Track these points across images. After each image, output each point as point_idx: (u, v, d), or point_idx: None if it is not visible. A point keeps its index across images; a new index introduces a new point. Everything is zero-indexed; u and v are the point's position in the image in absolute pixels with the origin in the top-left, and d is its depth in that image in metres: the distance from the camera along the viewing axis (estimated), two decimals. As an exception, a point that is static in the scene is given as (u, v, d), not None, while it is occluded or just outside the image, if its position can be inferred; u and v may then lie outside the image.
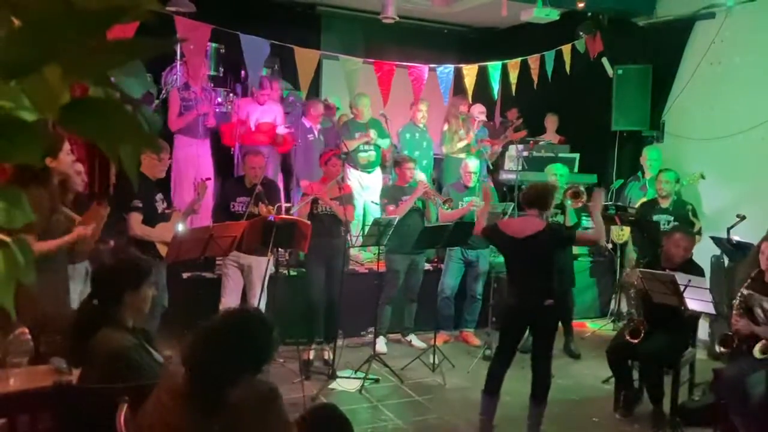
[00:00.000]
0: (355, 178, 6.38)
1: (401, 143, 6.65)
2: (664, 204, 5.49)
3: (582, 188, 5.49)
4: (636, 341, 4.04)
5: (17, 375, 2.55)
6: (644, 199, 6.02)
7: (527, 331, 3.93)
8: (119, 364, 2.24)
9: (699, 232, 5.34)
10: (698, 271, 4.11)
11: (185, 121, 5.80)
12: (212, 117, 6.01)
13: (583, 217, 5.64)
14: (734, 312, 3.65)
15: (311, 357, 5.05)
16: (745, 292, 3.64)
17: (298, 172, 6.22)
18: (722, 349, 3.71)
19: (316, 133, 6.30)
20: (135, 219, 4.26)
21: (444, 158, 6.90)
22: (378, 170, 6.58)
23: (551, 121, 7.52)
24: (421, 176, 5.90)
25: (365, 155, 6.38)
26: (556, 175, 5.65)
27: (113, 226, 4.12)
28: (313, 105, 6.31)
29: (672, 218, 5.40)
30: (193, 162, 5.89)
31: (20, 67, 0.58)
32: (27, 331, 2.72)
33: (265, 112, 6.13)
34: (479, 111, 6.91)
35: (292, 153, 6.34)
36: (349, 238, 5.07)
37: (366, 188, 6.37)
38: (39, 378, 2.48)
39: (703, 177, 5.88)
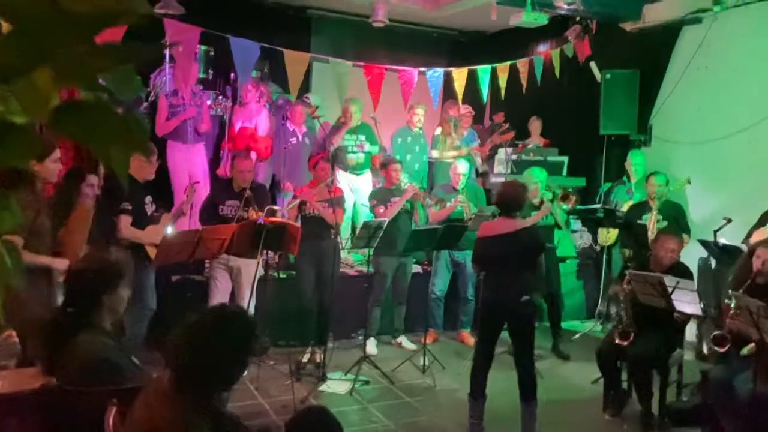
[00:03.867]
0: (344, 180, 6.38)
1: (393, 147, 6.66)
2: (654, 205, 5.53)
3: (571, 189, 5.55)
4: (626, 343, 4.06)
5: (4, 378, 2.53)
6: (631, 202, 6.06)
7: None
8: (102, 368, 2.22)
9: (688, 233, 5.37)
10: (687, 275, 4.13)
11: (172, 127, 5.78)
12: (207, 121, 6.00)
13: (571, 219, 5.68)
14: (731, 312, 3.64)
15: (303, 359, 5.04)
16: (735, 294, 3.67)
17: (282, 177, 6.17)
18: (716, 349, 3.70)
19: (300, 136, 6.27)
20: (124, 221, 4.24)
21: (435, 162, 6.92)
22: (368, 173, 6.57)
23: (535, 125, 7.57)
24: (406, 180, 5.89)
25: (354, 156, 6.36)
26: (538, 182, 5.60)
27: (102, 228, 4.10)
28: (296, 108, 6.28)
29: (662, 217, 5.44)
30: (185, 167, 5.85)
31: (10, 70, 0.59)
32: (14, 333, 2.70)
33: (249, 118, 6.11)
34: (467, 110, 6.96)
35: (276, 158, 6.29)
36: (339, 241, 5.06)
37: (355, 191, 6.37)
38: (26, 381, 2.45)
39: (689, 182, 5.94)
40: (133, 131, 0.66)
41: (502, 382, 4.09)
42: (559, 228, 5.66)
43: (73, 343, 2.25)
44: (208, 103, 6.37)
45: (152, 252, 4.27)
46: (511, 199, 3.86)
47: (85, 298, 2.37)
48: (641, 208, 5.66)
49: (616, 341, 4.09)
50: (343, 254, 5.89)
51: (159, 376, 1.85)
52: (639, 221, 5.53)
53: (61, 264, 3.27)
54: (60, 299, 3.43)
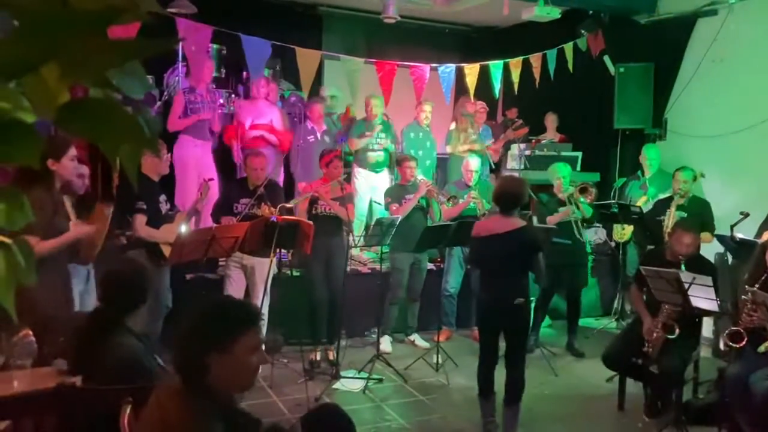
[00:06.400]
0: (363, 177, 6.38)
1: (405, 143, 6.64)
2: (681, 202, 5.44)
3: (589, 183, 5.52)
4: (673, 336, 3.91)
5: (21, 377, 2.56)
6: (645, 198, 6.00)
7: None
8: (131, 370, 2.24)
9: (712, 231, 5.29)
10: (708, 271, 4.03)
11: (185, 124, 5.76)
12: (217, 121, 6.00)
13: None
14: (747, 307, 3.58)
15: (317, 357, 5.05)
16: (750, 289, 3.61)
17: (297, 175, 6.14)
18: (732, 345, 3.64)
19: (318, 134, 6.26)
20: (140, 220, 4.27)
21: (449, 158, 6.89)
22: (386, 171, 6.56)
23: (551, 120, 7.51)
24: (421, 177, 5.88)
25: (374, 155, 6.37)
26: (561, 178, 5.55)
27: (118, 227, 4.14)
28: (314, 106, 6.28)
29: (686, 214, 5.35)
30: (196, 163, 5.85)
31: (18, 67, 0.58)
32: (31, 333, 2.72)
33: (260, 114, 6.11)
34: (482, 107, 6.94)
35: (291, 155, 6.30)
36: (351, 238, 5.06)
37: (374, 188, 6.35)
38: (43, 380, 2.48)
39: (702, 176, 5.86)
40: (142, 129, 0.65)
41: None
42: (588, 223, 5.61)
43: (105, 344, 2.27)
44: (221, 101, 6.38)
45: (167, 250, 4.30)
46: (512, 196, 3.73)
47: (124, 301, 2.40)
48: (667, 203, 5.54)
49: (655, 335, 3.96)
50: (356, 252, 5.88)
51: (172, 374, 1.85)
52: (662, 216, 5.44)
53: (83, 230, 3.30)
54: (77, 298, 3.47)
